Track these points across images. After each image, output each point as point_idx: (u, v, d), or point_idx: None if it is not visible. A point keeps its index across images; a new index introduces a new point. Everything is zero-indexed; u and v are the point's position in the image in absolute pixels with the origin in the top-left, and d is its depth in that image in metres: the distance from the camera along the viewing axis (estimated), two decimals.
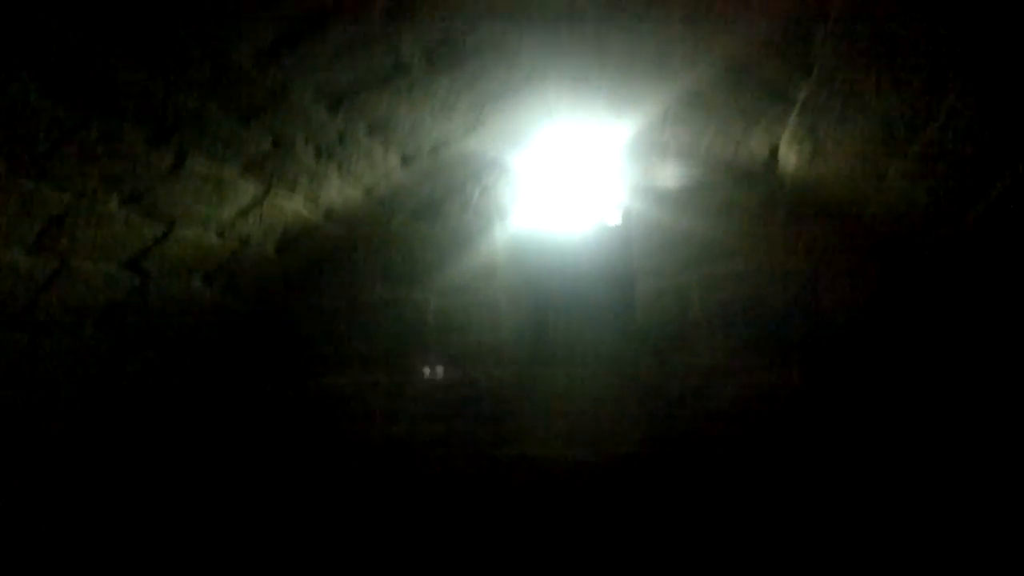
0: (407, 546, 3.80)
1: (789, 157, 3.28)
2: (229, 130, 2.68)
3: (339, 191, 3.50)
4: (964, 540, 3.26)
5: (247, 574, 3.88)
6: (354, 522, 3.87)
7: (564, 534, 3.70)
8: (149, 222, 2.97)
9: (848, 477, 3.44)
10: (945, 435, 3.34)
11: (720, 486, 3.58)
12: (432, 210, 3.98)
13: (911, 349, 3.43)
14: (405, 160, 3.51)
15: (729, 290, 3.65)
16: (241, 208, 3.22)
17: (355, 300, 3.99)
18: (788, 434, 3.53)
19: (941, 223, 2.98)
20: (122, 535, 3.75)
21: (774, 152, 3.37)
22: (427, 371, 3.84)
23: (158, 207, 2.91)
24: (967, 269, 3.20)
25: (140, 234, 3.00)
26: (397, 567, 3.78)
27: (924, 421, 3.38)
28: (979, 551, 3.23)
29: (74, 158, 2.46)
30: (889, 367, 3.45)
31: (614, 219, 3.92)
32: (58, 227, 2.69)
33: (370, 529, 3.85)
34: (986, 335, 3.32)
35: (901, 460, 3.38)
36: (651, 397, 3.70)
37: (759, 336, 3.61)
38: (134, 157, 2.59)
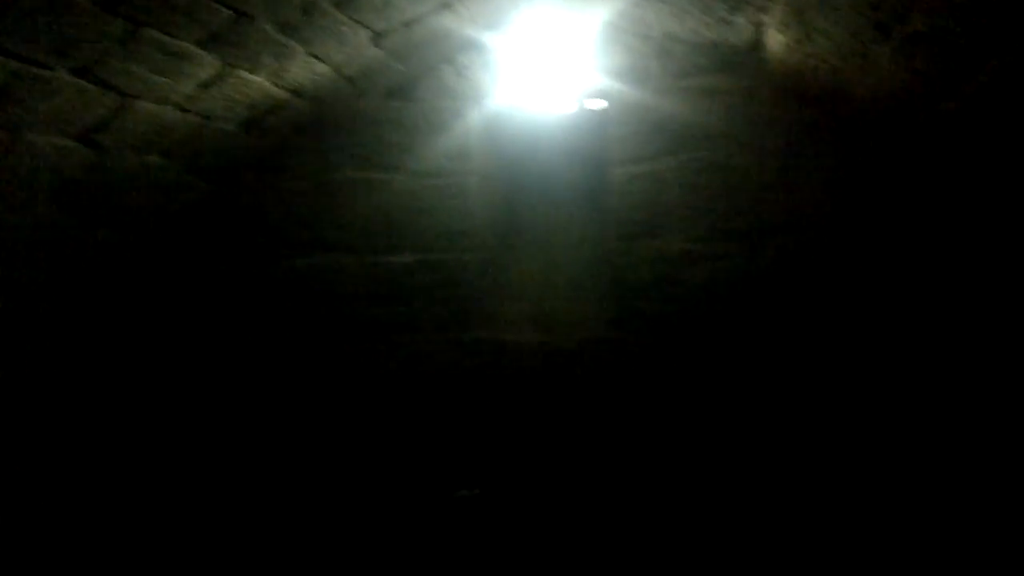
0: (371, 429, 3.84)
1: (775, 42, 3.17)
2: None
3: (306, 68, 3.35)
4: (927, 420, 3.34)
5: (211, 458, 3.91)
6: (319, 406, 3.89)
7: (529, 418, 3.74)
8: (103, 94, 2.82)
9: (814, 362, 3.49)
10: (929, 323, 3.38)
11: (688, 371, 3.62)
12: (405, 91, 3.83)
13: (890, 235, 3.42)
14: (376, 38, 3.34)
15: (706, 176, 3.60)
16: (201, 82, 3.07)
17: (323, 181, 3.88)
18: (758, 320, 3.56)
19: (926, 106, 2.92)
20: (86, 418, 3.76)
21: (759, 36, 3.25)
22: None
23: (112, 78, 2.77)
24: (949, 153, 3.16)
25: (95, 106, 2.86)
26: (360, 449, 3.83)
27: (904, 307, 3.40)
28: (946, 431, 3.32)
29: (17, 25, 2.32)
30: (866, 254, 3.45)
31: (591, 104, 3.80)
32: (5, 97, 2.56)
33: (335, 412, 3.88)
34: (967, 219, 3.31)
35: (876, 346, 3.43)
36: (621, 281, 3.69)
37: (734, 222, 3.58)
38: (83, 25, 2.44)
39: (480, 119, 3.81)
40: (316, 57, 3.30)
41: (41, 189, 3.08)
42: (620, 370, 3.67)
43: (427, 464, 3.78)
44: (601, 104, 3.76)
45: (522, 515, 3.66)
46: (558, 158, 3.92)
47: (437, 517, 3.69)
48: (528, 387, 3.75)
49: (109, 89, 2.82)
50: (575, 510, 3.63)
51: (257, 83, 3.28)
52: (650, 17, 3.41)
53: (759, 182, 3.55)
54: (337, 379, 3.88)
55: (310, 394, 3.89)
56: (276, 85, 3.37)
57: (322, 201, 3.88)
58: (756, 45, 3.34)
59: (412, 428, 3.80)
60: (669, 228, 3.65)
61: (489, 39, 3.66)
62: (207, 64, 2.97)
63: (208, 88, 3.13)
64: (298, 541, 3.74)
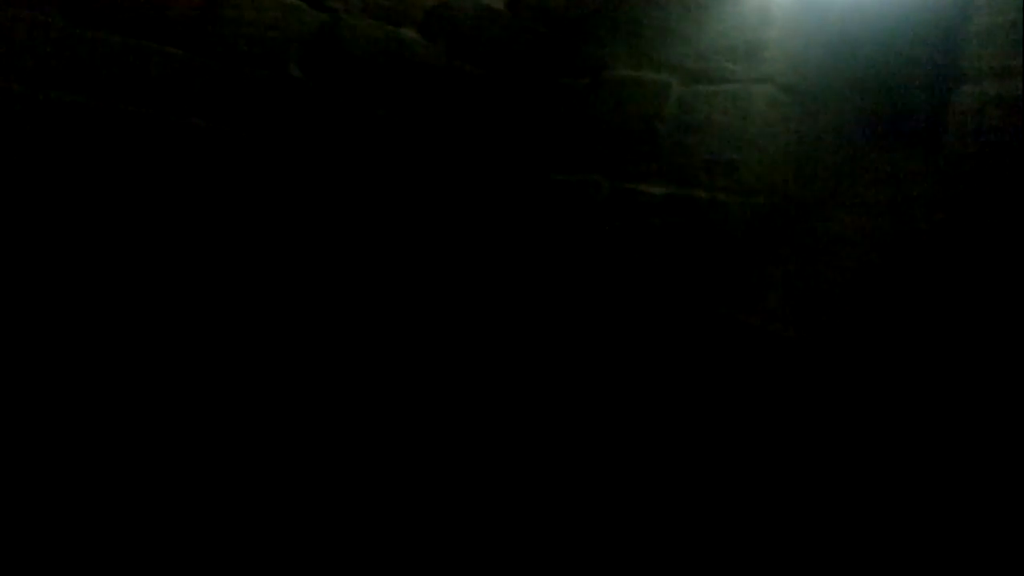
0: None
1: None
2: None
3: None
4: None
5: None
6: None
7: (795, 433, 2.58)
8: None
9: None
10: None
11: None
12: None
13: None
14: None
15: None
16: None
17: (598, 80, 3.10)
18: None
19: None
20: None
21: None
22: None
23: None
24: None
25: None
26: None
27: None
28: None
29: None
30: None
31: None
32: None
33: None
34: None
35: None
36: (961, 264, 2.24)
37: None
38: None
39: (786, 4, 2.62)
40: None
41: (278, 48, 3.03)
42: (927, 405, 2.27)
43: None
44: None
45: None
46: (884, 65, 2.48)
47: None
48: (781, 404, 2.58)
49: None
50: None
51: None
52: None
53: None
54: (574, 329, 3.18)
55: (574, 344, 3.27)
56: None
57: (593, 105, 3.12)
58: None
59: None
60: None
61: None
62: None
63: None
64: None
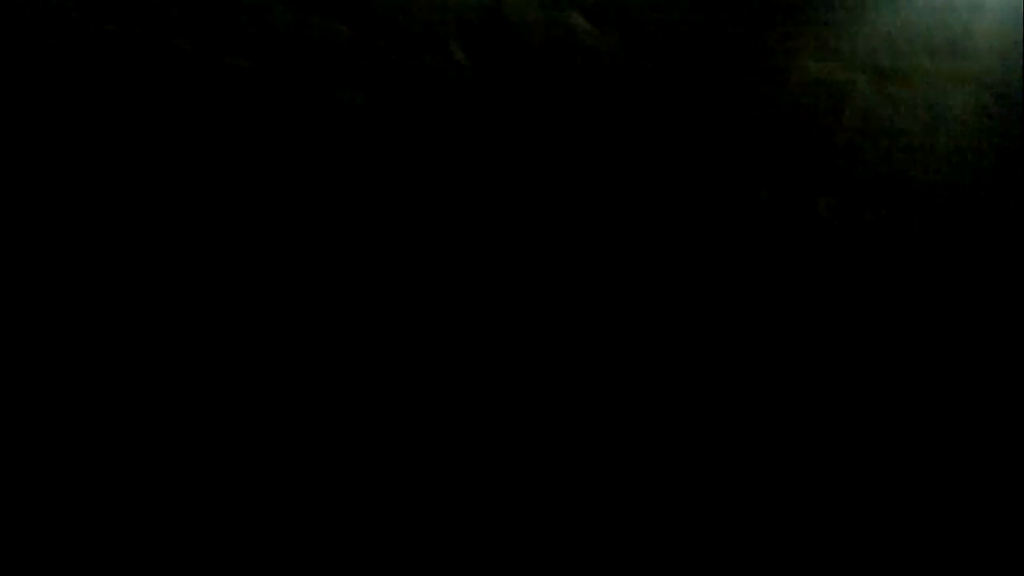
0: None
1: None
2: None
3: None
4: None
5: None
6: None
7: None
8: None
9: None
10: None
11: None
12: None
13: None
14: None
15: None
16: None
17: (782, 79, 2.67)
18: None
19: None
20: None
21: None
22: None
23: None
24: None
25: None
26: None
27: None
28: None
29: None
30: None
31: None
32: None
33: None
34: None
35: None
36: None
37: None
38: None
39: None
40: None
41: (447, 29, 2.93)
42: None
43: None
44: None
45: None
46: None
47: None
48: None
49: None
50: None
51: None
52: None
53: None
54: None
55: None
56: None
57: (775, 109, 2.69)
58: None
59: None
60: None
61: None
62: None
63: None
64: None
